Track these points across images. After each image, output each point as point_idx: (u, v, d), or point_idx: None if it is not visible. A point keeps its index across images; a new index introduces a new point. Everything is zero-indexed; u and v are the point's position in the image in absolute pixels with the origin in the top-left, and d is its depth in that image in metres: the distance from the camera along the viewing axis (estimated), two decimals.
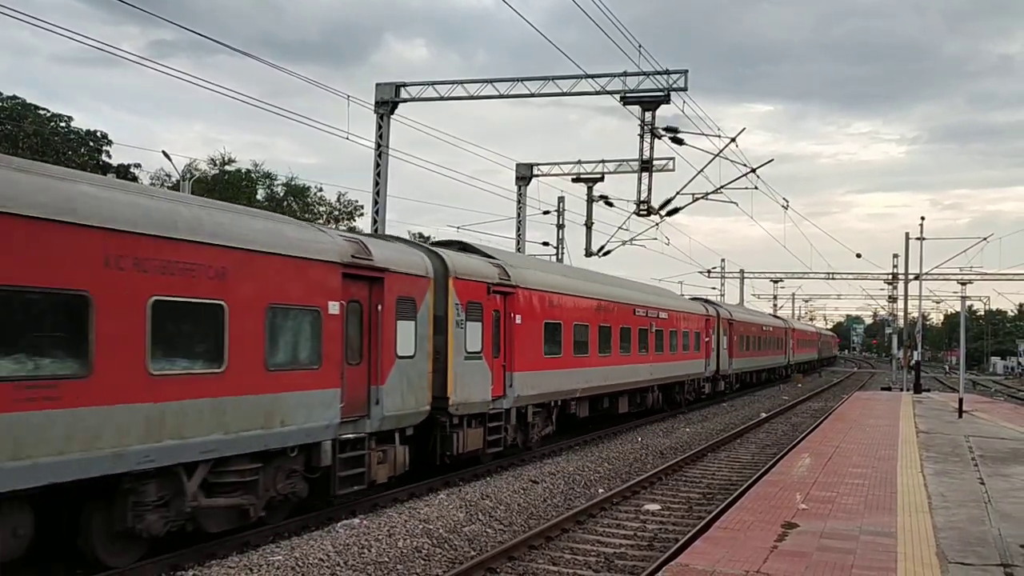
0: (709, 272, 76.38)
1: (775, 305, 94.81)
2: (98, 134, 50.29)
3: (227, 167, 56.17)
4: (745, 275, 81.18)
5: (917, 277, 48.19)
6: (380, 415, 13.56)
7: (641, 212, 27.89)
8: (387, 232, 26.35)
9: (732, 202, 31.46)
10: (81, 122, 71.07)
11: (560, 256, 39.82)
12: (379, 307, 13.59)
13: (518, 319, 18.39)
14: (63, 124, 48.83)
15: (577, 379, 21.66)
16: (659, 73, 25.11)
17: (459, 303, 15.99)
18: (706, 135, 27.64)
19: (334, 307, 12.40)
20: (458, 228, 54.29)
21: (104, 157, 49.39)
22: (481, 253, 18.64)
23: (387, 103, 26.50)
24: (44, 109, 48.19)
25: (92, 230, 8.97)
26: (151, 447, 9.49)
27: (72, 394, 8.66)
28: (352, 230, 42.96)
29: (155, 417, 9.55)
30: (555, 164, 36.20)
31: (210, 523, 10.75)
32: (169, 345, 9.80)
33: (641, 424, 27.58)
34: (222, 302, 10.48)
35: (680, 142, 26.41)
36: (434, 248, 16.58)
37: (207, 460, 10.34)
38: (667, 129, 26.29)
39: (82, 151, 48.14)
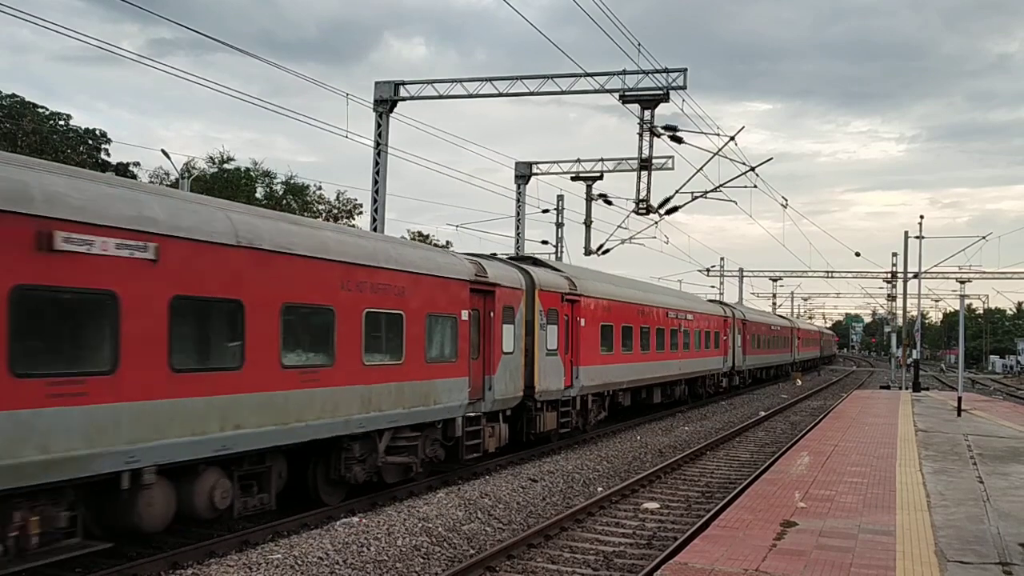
0: (708, 271, 76.45)
1: (774, 304, 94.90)
2: (97, 132, 50.22)
3: (226, 165, 56.14)
4: (744, 274, 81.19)
5: (916, 276, 48.22)
6: (492, 399, 17.53)
7: (640, 211, 27.89)
8: (385, 231, 26.37)
9: (731, 201, 31.48)
10: (80, 120, 71.01)
11: (559, 255, 39.82)
12: (491, 314, 17.57)
13: (582, 322, 22.16)
14: (62, 122, 48.77)
15: (625, 373, 25.70)
16: (658, 72, 25.11)
17: (542, 310, 19.88)
18: (705, 134, 27.71)
19: (464, 314, 16.33)
20: (457, 227, 54.33)
21: (103, 155, 49.34)
22: (551, 267, 22.53)
23: (386, 101, 26.48)
24: (43, 107, 48.13)
25: (335, 263, 12.70)
26: (363, 416, 13.36)
27: (326, 377, 12.46)
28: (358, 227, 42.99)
29: (366, 396, 13.38)
30: (554, 163, 36.22)
31: (388, 476, 14.50)
32: (373, 343, 13.61)
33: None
34: (402, 312, 14.33)
35: (679, 141, 26.40)
36: (522, 265, 20.17)
37: (391, 428, 14.19)
38: (666, 128, 26.28)
39: (81, 149, 48.08)
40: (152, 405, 9.65)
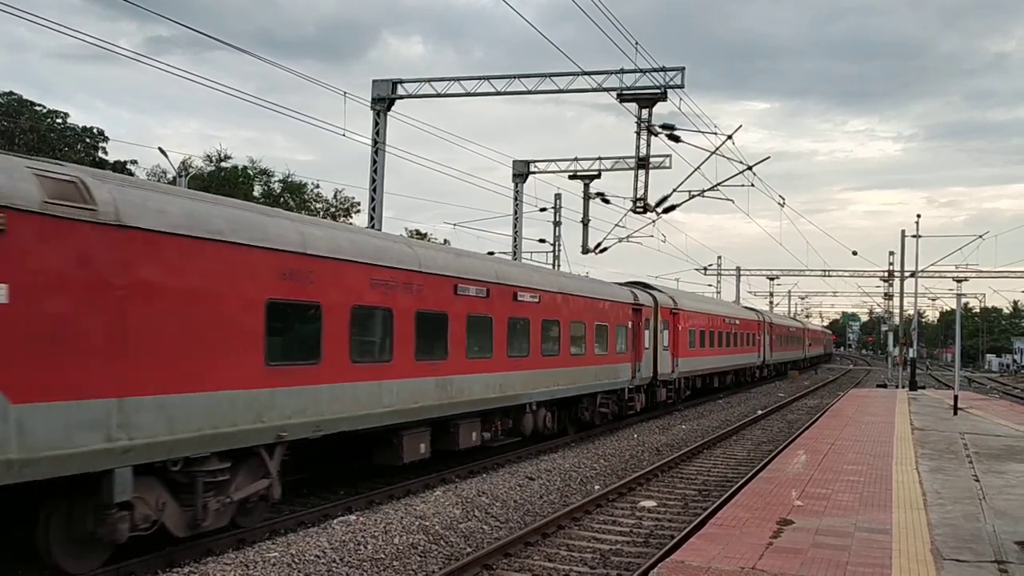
0: (705, 269, 76.56)
1: (771, 303, 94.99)
2: (94, 130, 50.18)
3: (223, 164, 56.09)
4: (741, 272, 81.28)
5: (913, 274, 48.28)
6: (639, 378, 27.10)
7: (638, 209, 27.91)
8: (384, 228, 26.38)
9: (728, 199, 31.56)
10: (77, 118, 70.77)
11: (557, 253, 39.84)
12: (639, 323, 27.00)
13: (680, 327, 31.82)
14: (59, 120, 48.72)
15: (703, 363, 35.82)
16: (656, 70, 25.11)
17: (661, 320, 29.42)
18: (703, 132, 27.55)
19: (630, 324, 26.07)
20: (455, 225, 54.27)
21: (100, 154, 49.27)
22: (660, 290, 31.85)
23: (384, 100, 26.47)
24: (40, 105, 48.09)
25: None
26: (590, 383, 23.06)
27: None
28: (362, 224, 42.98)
29: (590, 372, 22.85)
30: (552, 161, 36.24)
31: (598, 419, 24.17)
32: (600, 341, 23.84)
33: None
34: (607, 324, 24.31)
35: (677, 139, 26.40)
36: (648, 290, 29.75)
37: (602, 392, 24.14)
38: (664, 126, 26.28)
39: (78, 147, 48.03)
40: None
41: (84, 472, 8.71)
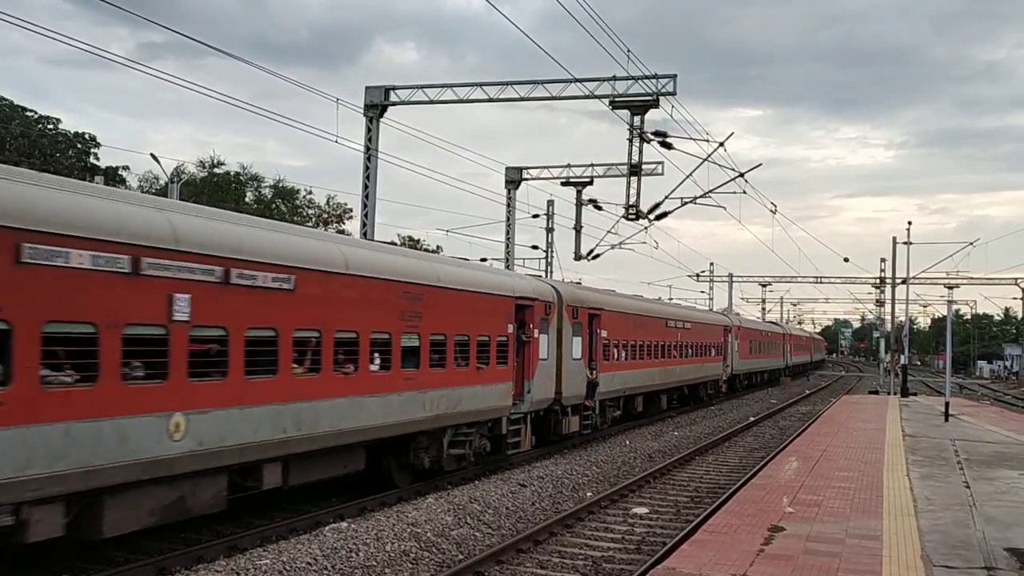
0: (698, 276, 76.60)
1: (763, 309, 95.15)
2: (86, 136, 50.06)
3: (216, 170, 55.98)
4: (734, 279, 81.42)
5: (904, 281, 48.47)
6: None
7: (630, 216, 27.96)
8: (375, 235, 26.35)
9: (721, 206, 32.08)
10: (69, 124, 70.63)
11: (549, 260, 39.88)
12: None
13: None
14: (51, 126, 48.59)
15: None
16: (648, 77, 25.19)
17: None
18: (695, 139, 27.60)
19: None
20: (447, 231, 54.27)
21: (92, 159, 49.15)
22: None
23: (376, 106, 26.48)
24: (32, 111, 47.96)
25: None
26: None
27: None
28: (341, 232, 43.01)
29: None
30: (544, 168, 36.23)
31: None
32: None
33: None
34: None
35: (669, 146, 26.48)
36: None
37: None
38: (656, 133, 26.36)
39: (70, 153, 47.90)
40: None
41: None
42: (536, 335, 19.87)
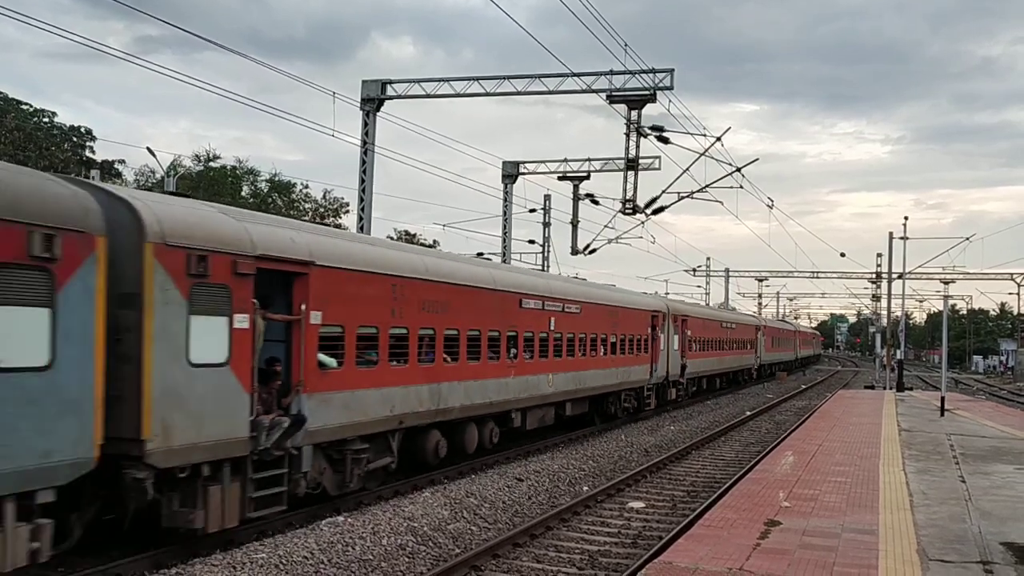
0: (694, 271, 76.66)
1: (759, 304, 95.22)
2: (82, 130, 49.87)
3: (212, 164, 55.82)
4: (730, 274, 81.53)
5: (900, 276, 48.49)
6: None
7: (627, 211, 27.96)
8: (372, 230, 26.32)
9: (717, 201, 31.61)
10: (65, 118, 70.25)
11: (546, 254, 39.85)
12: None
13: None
14: (46, 120, 48.42)
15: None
16: (645, 72, 25.16)
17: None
18: (692, 134, 27.78)
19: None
20: (444, 226, 54.24)
21: (88, 153, 49.00)
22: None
23: (373, 100, 26.43)
24: (27, 104, 47.78)
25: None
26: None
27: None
28: (338, 227, 42.93)
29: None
30: (541, 162, 36.22)
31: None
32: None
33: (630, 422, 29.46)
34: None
35: (666, 141, 26.46)
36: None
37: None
38: (653, 128, 26.33)
39: (65, 147, 47.73)
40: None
41: None
42: (659, 334, 30.43)
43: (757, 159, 50.94)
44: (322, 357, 12.41)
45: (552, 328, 21.06)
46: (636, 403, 28.65)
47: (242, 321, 10.81)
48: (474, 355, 17.16)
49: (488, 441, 18.21)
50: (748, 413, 32.54)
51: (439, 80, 26.76)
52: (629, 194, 27.61)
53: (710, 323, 40.92)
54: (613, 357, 25.48)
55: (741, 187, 30.66)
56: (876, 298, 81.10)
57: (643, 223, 31.30)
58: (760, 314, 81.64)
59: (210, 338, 10.37)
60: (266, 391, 11.55)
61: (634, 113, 26.24)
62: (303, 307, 12.01)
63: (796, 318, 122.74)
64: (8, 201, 8.23)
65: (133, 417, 9.49)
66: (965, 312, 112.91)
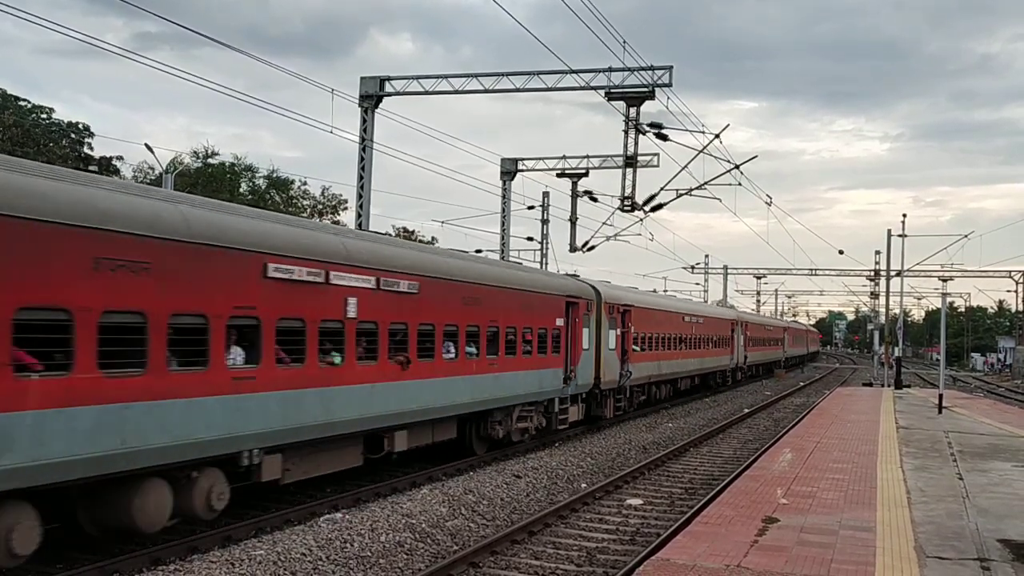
0: (693, 268, 76.73)
1: (758, 301, 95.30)
2: (80, 126, 49.81)
3: (210, 160, 55.74)
4: (728, 271, 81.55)
5: (899, 274, 48.59)
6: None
7: (625, 208, 27.96)
8: (371, 226, 26.32)
9: (716, 198, 31.64)
10: (63, 114, 70.45)
11: (544, 251, 39.86)
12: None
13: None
14: (44, 116, 48.37)
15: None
16: (644, 69, 25.13)
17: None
18: (690, 131, 27.71)
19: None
20: (443, 223, 54.24)
21: (86, 149, 48.94)
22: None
23: (372, 97, 26.38)
24: (25, 100, 47.73)
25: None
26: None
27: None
28: (336, 222, 42.92)
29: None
30: (540, 159, 36.18)
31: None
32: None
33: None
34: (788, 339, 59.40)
35: (664, 138, 26.44)
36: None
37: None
38: (651, 125, 26.32)
39: (63, 143, 47.68)
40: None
41: None
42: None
43: (755, 156, 51.03)
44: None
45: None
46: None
47: (620, 329, 26.49)
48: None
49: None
50: (746, 410, 32.56)
51: (438, 77, 26.73)
52: (628, 191, 27.62)
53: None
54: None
55: (739, 184, 30.72)
56: (874, 295, 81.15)
57: (641, 220, 31.38)
58: (759, 312, 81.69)
59: (612, 338, 25.50)
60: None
61: (633, 110, 26.22)
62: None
63: (795, 316, 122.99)
64: (578, 291, 23.15)
65: (596, 370, 24.22)
66: (963, 309, 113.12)
